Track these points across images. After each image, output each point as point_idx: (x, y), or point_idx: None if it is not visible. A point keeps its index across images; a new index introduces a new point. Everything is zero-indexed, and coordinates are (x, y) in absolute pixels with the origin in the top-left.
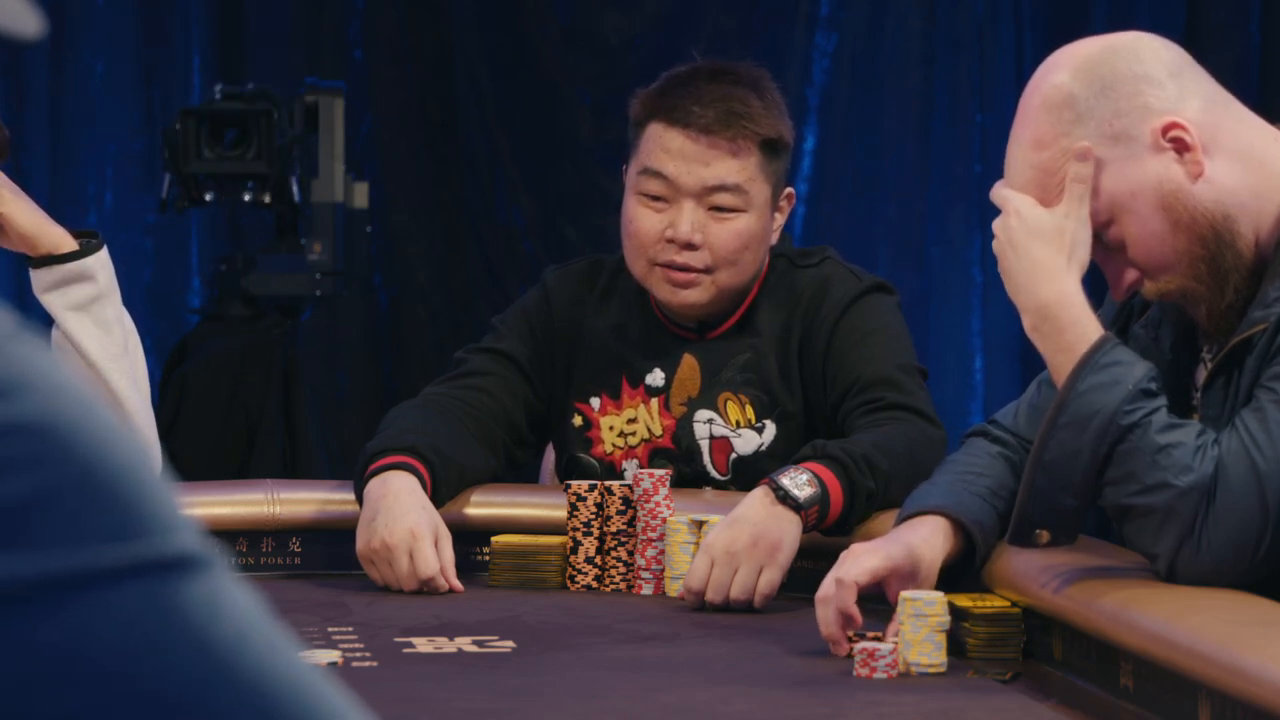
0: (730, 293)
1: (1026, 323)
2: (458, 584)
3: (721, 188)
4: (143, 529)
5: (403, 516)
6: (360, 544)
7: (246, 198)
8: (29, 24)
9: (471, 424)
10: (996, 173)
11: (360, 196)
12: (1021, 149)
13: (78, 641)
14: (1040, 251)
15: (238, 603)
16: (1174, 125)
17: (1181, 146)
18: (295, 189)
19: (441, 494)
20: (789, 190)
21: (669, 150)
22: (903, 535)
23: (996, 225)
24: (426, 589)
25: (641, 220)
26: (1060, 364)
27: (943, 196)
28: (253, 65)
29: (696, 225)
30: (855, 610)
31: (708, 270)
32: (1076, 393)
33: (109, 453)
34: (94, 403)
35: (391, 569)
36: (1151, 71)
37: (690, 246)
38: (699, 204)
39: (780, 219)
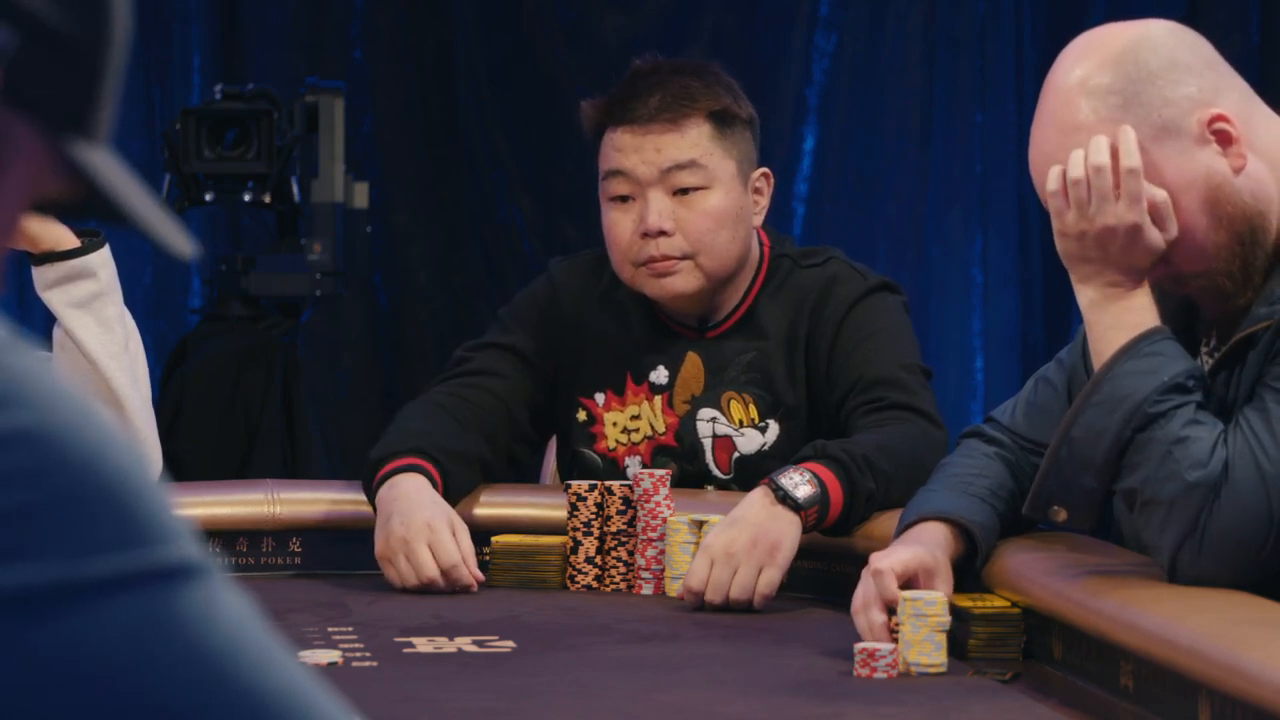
0: (717, 278)
1: (1087, 296)
2: (479, 573)
3: (677, 167)
4: (139, 539)
5: (417, 511)
6: (378, 546)
7: (246, 198)
8: (183, 246)
9: (475, 422)
10: (996, 173)
11: (360, 196)
12: (1055, 133)
13: (73, 650)
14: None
15: (232, 610)
16: (1219, 117)
17: (1225, 139)
18: (295, 189)
19: (451, 491)
20: (763, 170)
21: (621, 148)
22: (917, 538)
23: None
24: (448, 580)
25: (615, 224)
26: (1110, 340)
27: (943, 196)
28: (253, 65)
29: (664, 213)
30: (898, 595)
31: (687, 257)
32: (1113, 374)
33: (106, 463)
34: (91, 413)
35: (411, 562)
36: (1192, 61)
37: (662, 234)
38: (663, 191)
39: (761, 200)
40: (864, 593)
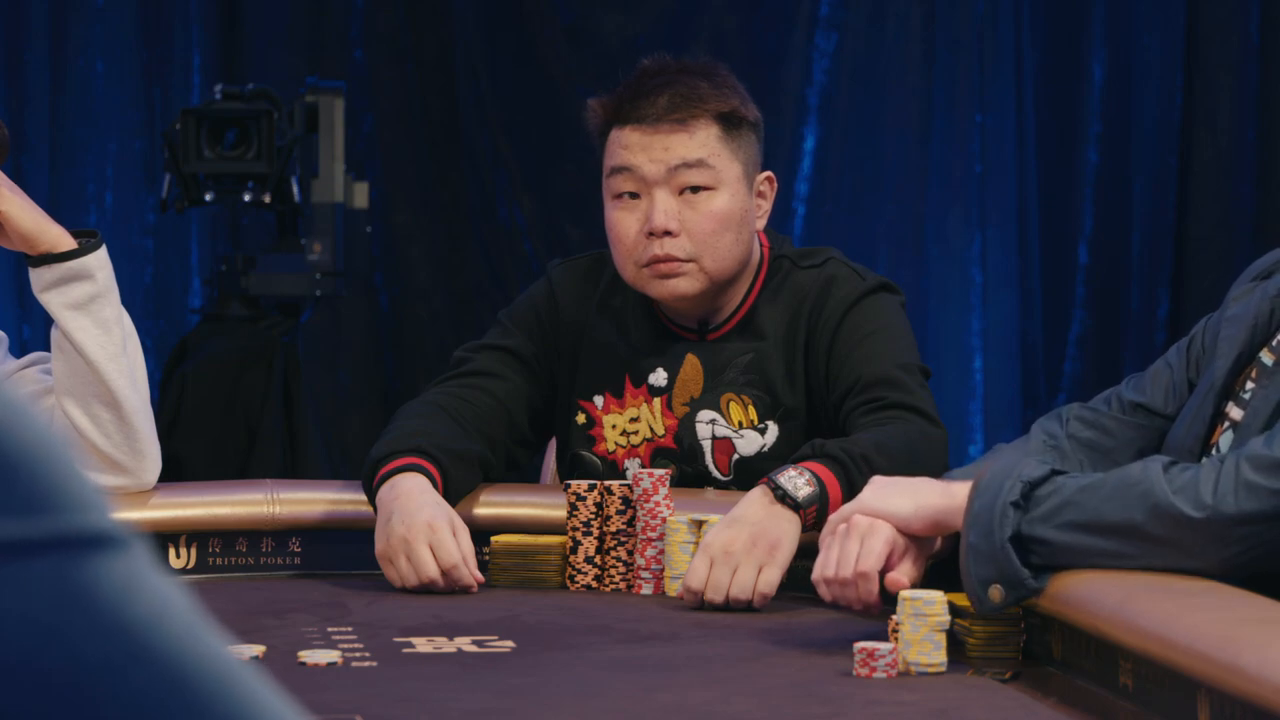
0: (720, 281)
1: (923, 527)
2: (479, 574)
3: (685, 165)
4: (52, 506)
5: (418, 511)
6: (379, 546)
7: (246, 198)
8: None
9: (474, 423)
10: (996, 173)
11: (360, 196)
12: None
13: None
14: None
15: (155, 585)
16: None
17: None
18: (295, 189)
19: (452, 492)
20: (767, 174)
21: (629, 146)
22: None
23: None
24: (448, 580)
25: (620, 223)
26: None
27: (943, 196)
28: (253, 65)
29: (670, 213)
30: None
31: (692, 259)
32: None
33: (17, 431)
34: (1, 384)
35: (411, 562)
36: None
37: (668, 234)
38: (670, 191)
39: (764, 204)
40: (843, 566)
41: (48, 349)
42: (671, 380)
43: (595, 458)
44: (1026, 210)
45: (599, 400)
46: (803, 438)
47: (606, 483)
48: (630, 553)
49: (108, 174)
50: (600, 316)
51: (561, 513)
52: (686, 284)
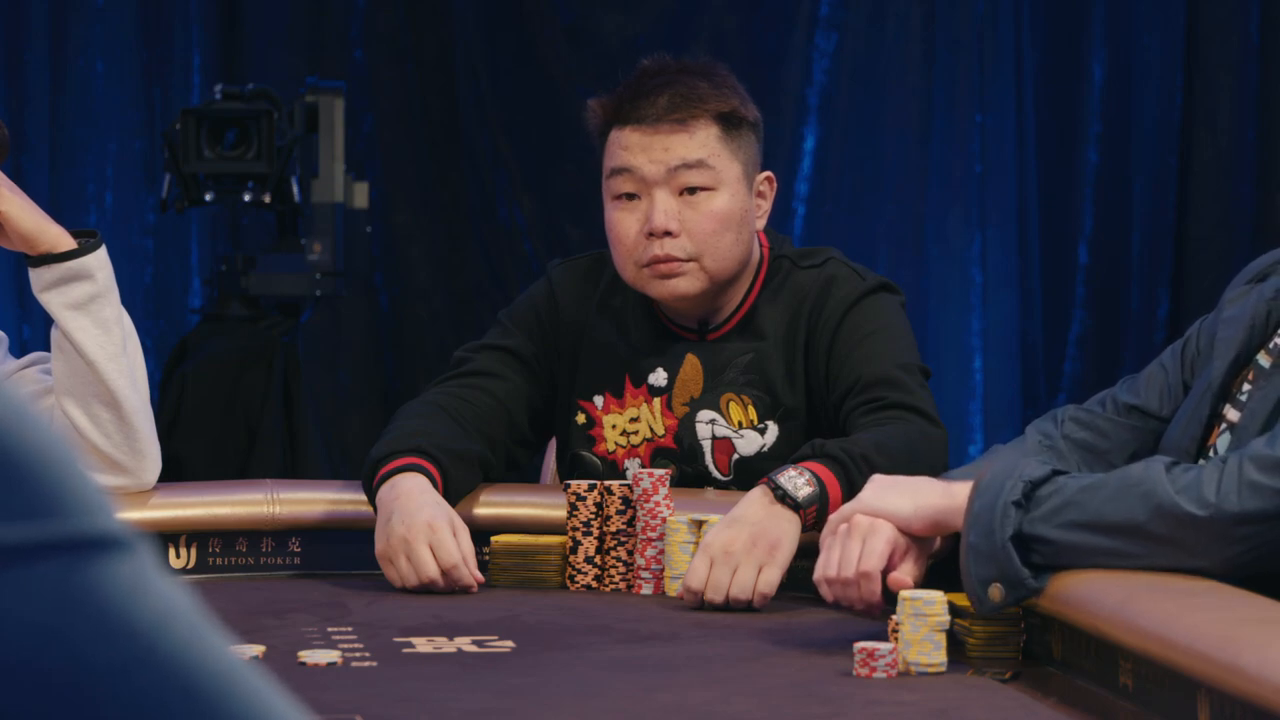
0: (720, 281)
1: (923, 527)
2: (479, 574)
3: (685, 166)
4: (57, 509)
5: (418, 511)
6: (379, 546)
7: (246, 198)
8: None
9: (474, 423)
10: (996, 172)
11: (360, 196)
12: None
13: None
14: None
15: (160, 587)
16: None
17: None
18: (295, 189)
19: (452, 491)
20: (767, 174)
21: (628, 147)
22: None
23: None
24: (449, 580)
25: (619, 224)
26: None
27: (943, 196)
28: (253, 65)
29: (670, 213)
30: (880, 598)
31: (692, 259)
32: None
33: (21, 435)
34: (6, 386)
35: (411, 562)
36: None
37: (668, 234)
38: (670, 191)
39: (764, 205)
40: (844, 567)
41: (48, 349)
42: (671, 380)
43: (595, 458)
44: (1026, 210)
45: (599, 400)
46: (803, 438)
47: (606, 483)
48: (630, 553)
49: (108, 174)
50: (600, 316)
51: (561, 513)
52: (687, 284)
